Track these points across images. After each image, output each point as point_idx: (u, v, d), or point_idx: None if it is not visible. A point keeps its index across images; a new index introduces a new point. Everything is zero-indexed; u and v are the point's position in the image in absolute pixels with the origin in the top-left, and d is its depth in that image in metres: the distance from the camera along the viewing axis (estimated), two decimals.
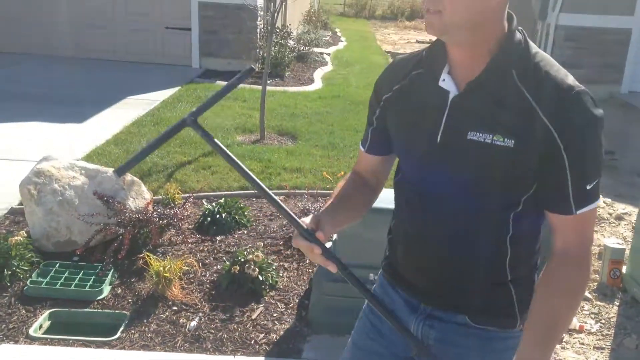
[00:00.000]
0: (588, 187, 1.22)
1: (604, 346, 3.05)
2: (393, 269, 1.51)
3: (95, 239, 3.50)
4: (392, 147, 1.47)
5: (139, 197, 3.85)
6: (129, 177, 3.90)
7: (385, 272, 1.55)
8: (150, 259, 3.25)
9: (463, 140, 1.24)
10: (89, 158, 5.04)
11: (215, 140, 1.33)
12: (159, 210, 3.74)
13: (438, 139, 1.28)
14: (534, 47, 1.27)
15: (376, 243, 2.97)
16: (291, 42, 10.47)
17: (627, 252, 3.77)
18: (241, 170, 1.32)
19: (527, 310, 1.31)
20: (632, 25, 9.05)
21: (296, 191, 4.73)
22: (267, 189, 1.33)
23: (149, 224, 3.59)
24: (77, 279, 3.26)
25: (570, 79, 1.22)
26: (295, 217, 1.28)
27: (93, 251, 3.50)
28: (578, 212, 1.22)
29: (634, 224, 3.99)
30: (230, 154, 1.33)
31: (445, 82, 1.28)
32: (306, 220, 1.29)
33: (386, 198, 3.04)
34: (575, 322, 3.18)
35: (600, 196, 1.26)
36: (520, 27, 1.28)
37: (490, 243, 1.32)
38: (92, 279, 3.26)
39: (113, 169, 1.34)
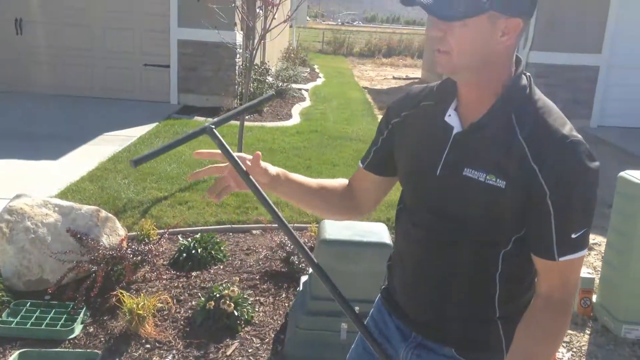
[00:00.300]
0: (573, 236, 1.23)
1: None
2: (389, 296, 1.55)
3: (68, 277, 3.46)
4: (391, 171, 1.52)
5: (113, 233, 3.84)
6: (103, 213, 3.90)
7: (382, 298, 1.59)
8: (123, 296, 3.23)
9: (459, 176, 1.28)
10: (63, 195, 5.02)
11: (230, 151, 1.42)
12: (133, 247, 3.73)
13: (437, 172, 1.33)
14: (537, 93, 1.30)
15: (359, 276, 3.02)
16: (270, 79, 10.61)
17: (597, 281, 3.83)
18: (253, 187, 1.41)
19: None
20: (600, 62, 9.36)
21: (273, 225, 4.75)
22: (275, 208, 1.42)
23: (122, 261, 3.58)
24: (49, 318, 3.22)
25: (567, 129, 1.23)
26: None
27: (65, 289, 3.47)
28: (561, 259, 1.23)
29: (603, 254, 4.07)
30: (242, 167, 1.42)
31: (451, 117, 1.33)
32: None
33: (368, 232, 3.09)
34: None
35: (587, 246, 1.28)
36: (527, 73, 1.33)
37: (479, 279, 1.35)
38: (63, 318, 3.22)
39: (130, 159, 1.44)
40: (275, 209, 1.40)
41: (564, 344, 3.36)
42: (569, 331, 3.49)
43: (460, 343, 1.39)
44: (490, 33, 1.22)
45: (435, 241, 1.36)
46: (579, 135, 1.24)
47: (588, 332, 3.50)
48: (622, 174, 3.59)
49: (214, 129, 1.42)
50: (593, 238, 4.90)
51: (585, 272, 3.75)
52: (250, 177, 1.39)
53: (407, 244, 1.45)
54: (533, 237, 1.26)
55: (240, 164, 1.40)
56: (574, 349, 3.31)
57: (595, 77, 9.36)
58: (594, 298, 3.70)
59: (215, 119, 1.45)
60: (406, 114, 1.45)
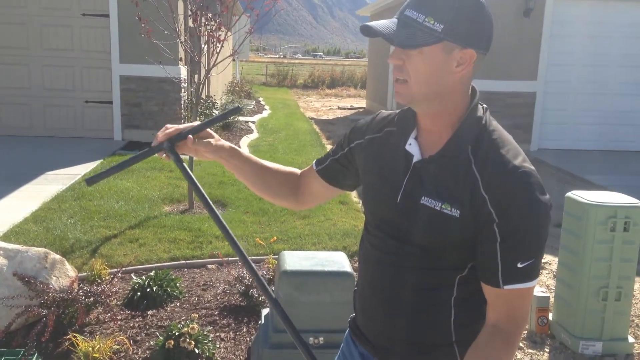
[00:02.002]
0: (519, 265, 1.23)
1: None
2: (355, 325, 1.56)
3: (17, 323, 3.28)
4: (340, 183, 1.60)
5: (63, 275, 3.68)
6: (51, 255, 3.73)
7: (350, 329, 1.60)
8: (77, 339, 3.08)
9: (417, 204, 1.31)
10: (6, 238, 4.79)
11: (187, 168, 1.46)
12: (84, 288, 3.57)
13: (398, 199, 1.36)
14: (492, 124, 1.33)
15: (321, 306, 2.98)
16: (216, 112, 10.56)
17: (552, 299, 3.93)
18: (206, 204, 1.43)
19: None
20: (536, 88, 9.79)
21: (229, 259, 4.66)
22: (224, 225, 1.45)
23: (74, 303, 3.42)
24: None
25: (519, 160, 1.26)
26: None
27: (15, 336, 3.28)
28: (506, 287, 1.24)
29: (555, 273, 4.19)
30: (197, 182, 1.46)
31: (411, 146, 1.36)
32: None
33: (328, 261, 3.07)
34: None
35: (537, 278, 1.28)
36: (484, 104, 1.37)
37: (435, 302, 1.36)
38: None
39: (85, 179, 1.50)
40: (229, 230, 1.44)
41: None
42: (529, 350, 3.55)
43: None
44: (445, 63, 1.26)
45: (394, 265, 1.38)
46: (532, 167, 1.27)
47: (547, 349, 3.57)
48: (569, 194, 3.72)
49: (172, 146, 1.46)
50: (544, 257, 5.04)
51: (539, 291, 3.84)
52: (207, 199, 1.44)
53: (367, 267, 1.48)
54: (481, 265, 1.28)
55: (198, 184, 1.47)
56: None
57: (533, 103, 9.78)
58: (550, 316, 3.78)
59: (175, 135, 1.48)
60: (370, 138, 1.49)
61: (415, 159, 1.34)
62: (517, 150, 1.29)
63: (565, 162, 8.70)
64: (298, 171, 1.69)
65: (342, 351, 1.61)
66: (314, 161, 1.66)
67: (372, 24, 1.28)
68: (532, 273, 1.25)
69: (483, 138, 1.30)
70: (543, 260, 4.93)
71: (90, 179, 1.47)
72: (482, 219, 1.25)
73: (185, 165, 1.48)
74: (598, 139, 9.91)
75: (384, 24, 1.27)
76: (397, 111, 1.49)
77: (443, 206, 1.27)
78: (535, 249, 1.25)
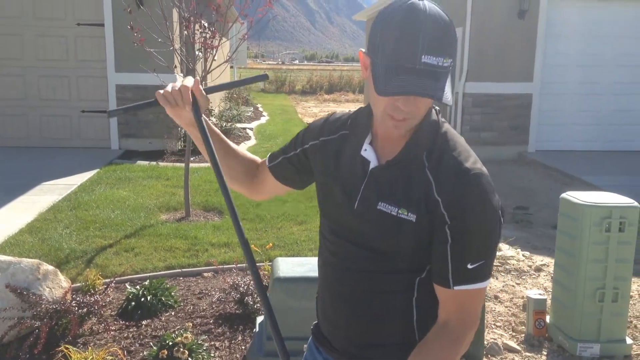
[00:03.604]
0: (469, 266, 1.25)
1: None
2: (318, 331, 1.56)
3: (9, 335, 3.26)
4: (289, 182, 1.60)
5: (56, 286, 3.66)
6: (44, 266, 3.71)
7: (312, 335, 1.60)
8: (69, 351, 3.06)
9: (374, 209, 1.32)
10: (1, 249, 4.77)
11: (205, 126, 1.46)
12: (78, 299, 3.55)
13: (355, 205, 1.35)
14: (444, 127, 1.34)
15: (314, 313, 2.96)
16: (213, 119, 10.55)
17: (549, 302, 3.91)
18: (215, 166, 1.42)
19: None
20: (532, 90, 9.79)
21: (225, 266, 4.64)
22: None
23: (67, 314, 3.40)
24: None
25: (470, 162, 1.28)
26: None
27: (7, 348, 3.26)
28: (456, 287, 1.26)
29: (552, 275, 4.17)
30: (212, 145, 1.45)
31: (367, 152, 1.36)
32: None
33: (307, 267, 3.04)
34: None
35: (488, 279, 1.30)
36: (436, 107, 1.37)
37: (396, 304, 1.37)
38: None
39: (108, 110, 1.49)
40: (236, 212, 1.43)
41: None
42: (527, 353, 3.52)
43: None
44: None
45: (354, 270, 1.39)
46: (483, 169, 1.29)
47: (545, 352, 3.54)
48: (563, 195, 3.70)
49: (198, 109, 1.47)
50: (542, 259, 5.02)
51: (537, 294, 3.82)
52: (219, 167, 1.43)
53: (327, 273, 1.48)
54: (433, 265, 1.30)
55: (213, 147, 1.45)
56: None
57: (529, 104, 9.77)
58: (548, 319, 3.76)
59: (203, 88, 1.49)
60: (325, 140, 1.48)
61: (372, 165, 1.35)
62: (468, 152, 1.31)
63: (563, 163, 8.68)
64: (259, 160, 1.68)
65: (306, 358, 1.60)
66: (268, 155, 1.65)
67: (402, 89, 1.18)
68: (482, 274, 1.27)
69: (436, 142, 1.31)
70: (540, 262, 4.91)
71: (112, 112, 1.47)
72: (436, 221, 1.26)
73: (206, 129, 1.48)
74: (595, 139, 9.90)
75: (414, 82, 1.18)
76: (350, 113, 1.49)
77: (400, 211, 1.29)
78: (486, 250, 1.27)
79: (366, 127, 1.38)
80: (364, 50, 1.31)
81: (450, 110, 10.14)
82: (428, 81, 1.18)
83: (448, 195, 1.25)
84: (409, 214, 1.27)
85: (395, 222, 1.29)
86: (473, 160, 1.29)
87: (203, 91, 1.46)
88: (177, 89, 1.43)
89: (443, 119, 1.36)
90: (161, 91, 1.44)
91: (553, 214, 3.79)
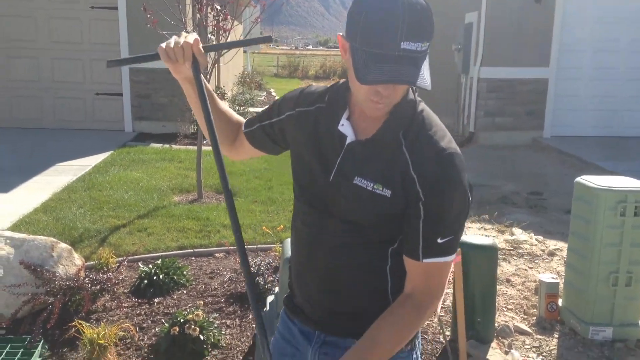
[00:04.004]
0: (439, 241, 1.31)
1: None
2: (290, 302, 1.58)
3: (23, 310, 3.30)
4: (263, 148, 1.61)
5: (70, 263, 3.70)
6: (58, 244, 3.75)
7: (285, 307, 1.62)
8: (82, 326, 3.09)
9: (350, 184, 1.36)
10: (16, 228, 4.82)
11: (202, 84, 1.44)
12: (91, 276, 3.59)
13: (331, 178, 1.39)
14: (420, 106, 1.38)
15: None
16: (226, 103, 10.55)
17: (562, 285, 3.88)
18: (206, 111, 1.41)
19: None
20: (548, 75, 9.66)
21: (235, 247, 4.66)
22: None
23: (80, 291, 3.44)
24: (4, 353, 3.04)
25: (445, 141, 1.32)
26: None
27: (21, 323, 3.30)
28: (424, 260, 1.32)
29: (565, 259, 4.14)
30: (207, 99, 1.43)
31: (344, 127, 1.39)
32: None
33: None
34: (517, 357, 3.21)
35: (454, 254, 1.36)
36: (412, 86, 1.36)
37: (371, 273, 1.41)
38: (20, 352, 3.05)
39: (107, 60, 1.46)
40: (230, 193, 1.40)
41: (534, 349, 3.37)
42: (538, 336, 3.51)
43: (360, 334, 1.41)
44: None
45: (326, 240, 1.42)
46: (457, 148, 1.34)
47: (556, 335, 3.52)
48: (578, 179, 3.67)
49: (198, 66, 1.46)
50: (555, 244, 4.98)
51: (549, 277, 3.79)
52: (214, 129, 1.42)
53: (300, 244, 1.50)
54: (404, 239, 1.35)
55: (209, 107, 1.44)
56: (544, 353, 3.32)
57: (545, 89, 9.65)
58: (560, 302, 3.73)
59: (203, 46, 1.47)
60: (301, 110, 1.49)
61: (348, 140, 1.38)
62: (444, 131, 1.35)
63: (578, 149, 8.58)
64: (242, 122, 1.68)
65: (279, 332, 1.62)
66: (244, 121, 1.64)
67: (382, 77, 1.21)
68: (450, 249, 1.33)
69: (413, 121, 1.34)
70: (554, 247, 4.87)
71: (111, 62, 1.47)
72: (411, 197, 1.31)
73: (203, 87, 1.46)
74: (611, 125, 9.75)
75: (394, 70, 1.21)
76: (327, 87, 1.50)
77: (375, 186, 1.33)
78: (456, 226, 1.33)
79: (344, 102, 1.41)
80: (342, 34, 1.32)
81: (465, 95, 10.05)
82: (408, 68, 1.20)
83: (424, 173, 1.29)
84: (384, 189, 1.32)
85: (370, 197, 1.33)
86: (448, 140, 1.33)
87: (202, 50, 1.45)
88: (179, 45, 1.42)
89: (419, 98, 1.39)
90: (163, 45, 1.43)
91: (567, 200, 3.76)
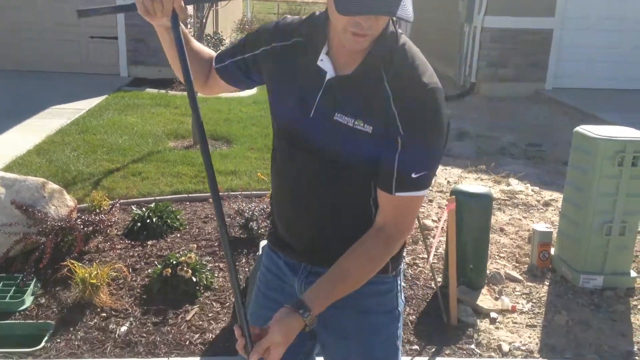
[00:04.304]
0: (413, 176, 1.31)
1: (535, 324, 3.12)
2: (274, 237, 1.58)
3: (15, 250, 3.30)
4: (235, 84, 1.55)
5: (62, 205, 3.67)
6: (49, 185, 3.72)
7: (269, 242, 1.61)
8: (74, 266, 3.09)
9: (330, 120, 1.33)
10: (8, 169, 4.78)
11: (181, 37, 1.35)
12: (83, 217, 3.57)
13: (311, 114, 1.36)
14: (402, 39, 1.34)
15: None
16: (223, 48, 10.36)
17: (555, 235, 3.88)
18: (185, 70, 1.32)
19: (397, 259, 1.48)
20: (553, 25, 9.44)
21: (231, 193, 4.64)
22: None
23: (72, 232, 3.43)
24: None
25: (427, 76, 1.30)
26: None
27: (13, 262, 3.31)
28: (397, 194, 1.32)
29: (560, 209, 4.12)
30: (186, 55, 1.34)
31: (323, 62, 1.35)
32: None
33: None
34: (507, 303, 3.24)
35: (427, 189, 1.36)
36: (394, 17, 1.32)
37: (354, 206, 1.42)
38: (12, 290, 3.07)
39: (77, 9, 1.39)
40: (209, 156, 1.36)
41: (524, 295, 3.39)
42: (528, 283, 3.52)
43: None
44: None
45: (309, 176, 1.41)
46: (439, 83, 1.32)
47: (547, 283, 3.54)
48: (577, 129, 3.61)
49: (177, 20, 1.38)
50: (550, 194, 4.97)
51: (543, 227, 3.79)
52: (192, 81, 1.33)
53: (281, 180, 1.49)
54: (379, 171, 1.34)
55: (187, 61, 1.35)
56: (534, 300, 3.35)
57: (549, 40, 9.44)
58: (552, 251, 3.74)
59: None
60: (277, 45, 1.44)
61: (328, 76, 1.34)
62: (426, 66, 1.33)
63: (580, 101, 8.47)
64: (213, 56, 1.61)
65: (265, 266, 1.62)
66: (214, 56, 1.58)
67: (362, 7, 1.18)
68: (423, 183, 1.33)
69: (395, 55, 1.31)
70: (549, 198, 4.86)
71: (82, 11, 1.40)
72: (390, 131, 1.29)
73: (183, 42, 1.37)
74: (615, 77, 9.58)
75: (374, 0, 1.18)
76: (303, 19, 1.45)
77: (356, 122, 1.31)
78: (430, 161, 1.33)
79: (323, 36, 1.36)
80: None
81: (467, 45, 9.85)
82: (391, 4, 1.18)
83: (404, 107, 1.28)
84: (365, 125, 1.30)
85: (350, 133, 1.31)
86: (430, 74, 1.31)
87: (183, 4, 1.36)
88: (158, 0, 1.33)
89: (401, 30, 1.36)
90: None
91: (566, 151, 3.72)
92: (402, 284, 1.57)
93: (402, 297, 1.56)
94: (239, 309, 1.29)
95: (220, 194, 4.58)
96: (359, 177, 1.38)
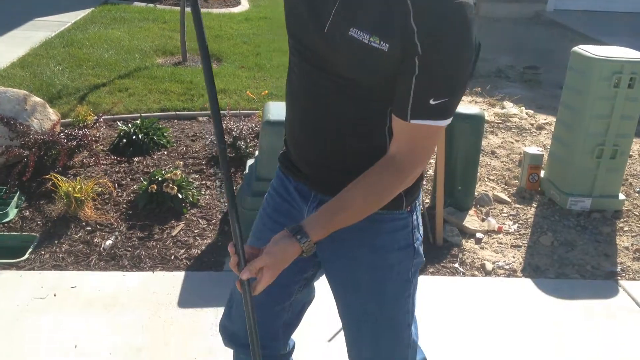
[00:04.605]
0: (431, 102, 1.17)
1: (520, 244, 3.13)
2: (286, 159, 1.50)
3: None
4: None
5: (45, 118, 3.59)
6: (32, 98, 3.62)
7: (280, 164, 1.53)
8: (57, 180, 3.05)
9: (345, 36, 1.21)
10: None
11: None
12: (66, 131, 3.50)
13: (325, 29, 1.24)
14: None
15: None
16: None
17: (546, 158, 3.85)
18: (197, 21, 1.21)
19: (412, 193, 1.36)
20: None
21: (222, 112, 4.54)
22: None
23: (56, 146, 3.36)
24: None
25: None
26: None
27: None
28: (412, 121, 1.19)
29: (553, 131, 4.07)
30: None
31: None
32: None
33: None
34: (493, 224, 3.24)
35: (448, 120, 1.21)
36: None
37: (369, 132, 1.31)
38: None
39: None
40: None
41: (511, 217, 3.39)
42: (517, 205, 3.52)
43: None
44: None
45: (321, 96, 1.31)
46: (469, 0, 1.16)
47: (534, 205, 3.54)
48: (575, 48, 3.50)
49: None
50: (545, 118, 4.90)
51: (535, 150, 3.75)
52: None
53: (294, 99, 1.40)
54: (396, 96, 1.21)
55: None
56: (520, 221, 3.35)
57: None
58: (542, 174, 3.72)
59: None
60: None
61: None
62: None
63: (581, 24, 8.24)
64: None
65: (274, 188, 1.54)
66: None
67: None
68: (443, 112, 1.19)
69: None
70: (543, 121, 4.80)
71: None
72: (407, 50, 1.15)
73: None
74: (620, 0, 9.30)
75: None
76: None
77: (372, 39, 1.18)
78: (452, 87, 1.18)
79: None
80: None
81: None
82: None
83: (425, 23, 1.13)
84: (382, 42, 1.17)
85: (365, 50, 1.19)
86: None
87: None
88: None
89: None
90: None
91: (563, 75, 3.61)
92: (419, 218, 1.47)
93: (420, 232, 1.46)
94: (234, 226, 1.23)
95: (209, 112, 4.39)
96: (373, 100, 1.27)
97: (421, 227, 1.47)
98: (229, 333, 1.59)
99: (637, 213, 3.51)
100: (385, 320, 1.45)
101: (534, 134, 4.62)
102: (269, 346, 1.56)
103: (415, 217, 1.43)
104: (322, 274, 1.53)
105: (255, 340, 1.24)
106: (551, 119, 4.78)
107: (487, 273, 2.89)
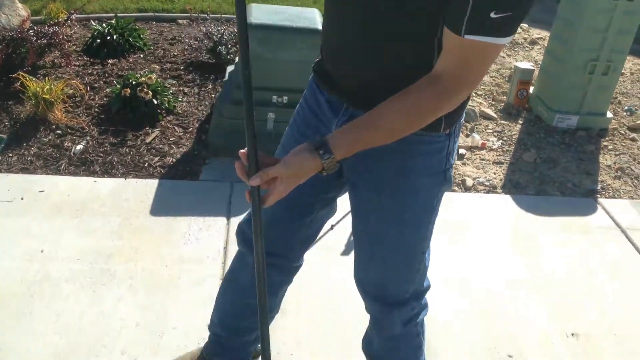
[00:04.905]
0: (492, 15, 1.00)
1: (503, 161, 3.08)
2: (320, 68, 1.36)
3: None
4: None
5: (13, 13, 3.39)
6: None
7: (315, 74, 1.40)
8: (26, 79, 2.91)
9: None
10: None
11: None
12: (36, 29, 3.31)
13: None
14: None
15: (287, 64, 2.78)
16: None
17: (536, 74, 3.73)
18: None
19: (453, 115, 1.23)
20: None
21: (202, 15, 4.33)
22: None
23: (25, 43, 3.19)
24: None
25: None
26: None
27: None
28: (466, 36, 1.02)
29: (546, 46, 3.93)
30: None
31: None
32: None
33: (298, 17, 2.78)
34: (477, 139, 3.17)
35: (509, 38, 1.07)
36: None
37: (415, 41, 1.15)
38: None
39: None
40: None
41: (496, 133, 3.32)
42: (502, 121, 3.44)
43: None
44: None
45: (366, 7, 1.15)
46: None
47: (520, 121, 3.46)
48: None
49: None
50: (539, 33, 4.73)
51: (526, 65, 3.62)
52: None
53: (334, 8, 1.24)
54: (451, 4, 1.04)
55: None
56: (505, 138, 3.28)
57: None
58: (531, 90, 3.61)
59: None
60: None
61: None
62: None
63: None
64: None
65: (306, 99, 1.43)
66: None
67: None
68: (503, 28, 1.02)
69: None
70: (537, 36, 4.63)
71: None
72: None
73: None
74: None
75: None
76: None
77: None
78: (519, 2, 1.00)
79: None
80: None
81: None
82: None
83: None
84: None
85: None
86: None
87: None
88: None
89: None
90: None
91: None
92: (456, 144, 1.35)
93: (454, 158, 1.35)
94: (248, 125, 1.11)
95: (189, 15, 4.16)
96: (423, 3, 1.10)
97: (456, 153, 1.34)
98: (246, 237, 1.52)
99: (622, 132, 3.45)
100: (402, 245, 1.38)
101: (527, 48, 4.46)
102: (284, 256, 1.51)
103: (452, 141, 1.32)
104: (345, 192, 1.44)
105: (261, 257, 1.14)
106: (545, 34, 4.61)
107: (467, 189, 2.85)
